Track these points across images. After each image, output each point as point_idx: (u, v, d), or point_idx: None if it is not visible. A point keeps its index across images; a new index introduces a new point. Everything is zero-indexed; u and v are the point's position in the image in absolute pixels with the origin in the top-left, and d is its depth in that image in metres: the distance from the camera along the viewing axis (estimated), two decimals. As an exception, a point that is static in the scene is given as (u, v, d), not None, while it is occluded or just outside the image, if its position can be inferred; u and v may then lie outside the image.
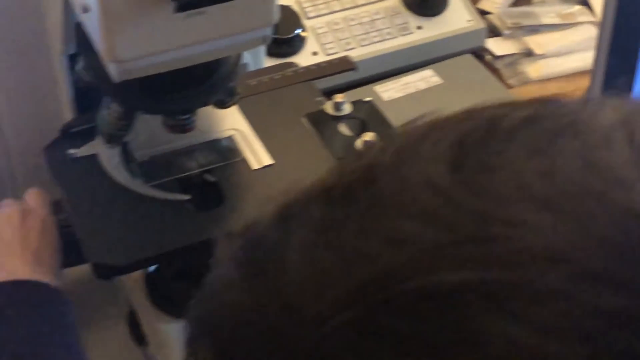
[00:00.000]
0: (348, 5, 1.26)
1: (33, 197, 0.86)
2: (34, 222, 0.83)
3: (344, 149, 0.82)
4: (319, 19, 1.24)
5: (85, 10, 0.65)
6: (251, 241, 0.36)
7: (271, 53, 1.14)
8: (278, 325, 0.33)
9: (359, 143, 0.82)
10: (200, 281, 0.91)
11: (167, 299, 0.86)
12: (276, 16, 0.69)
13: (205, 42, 0.67)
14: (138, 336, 0.90)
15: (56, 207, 0.85)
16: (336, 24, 1.24)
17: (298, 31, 1.21)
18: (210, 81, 0.75)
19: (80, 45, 0.77)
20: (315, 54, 1.21)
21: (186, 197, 0.78)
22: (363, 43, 1.23)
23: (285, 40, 1.19)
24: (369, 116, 0.85)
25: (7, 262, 0.80)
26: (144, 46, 0.66)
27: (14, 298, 0.78)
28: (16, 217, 0.84)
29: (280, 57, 1.17)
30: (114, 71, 0.68)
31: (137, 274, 0.88)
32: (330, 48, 1.22)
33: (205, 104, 0.77)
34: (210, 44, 0.68)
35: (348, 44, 1.23)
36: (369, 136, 0.81)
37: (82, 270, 0.94)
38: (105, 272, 0.74)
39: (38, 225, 0.83)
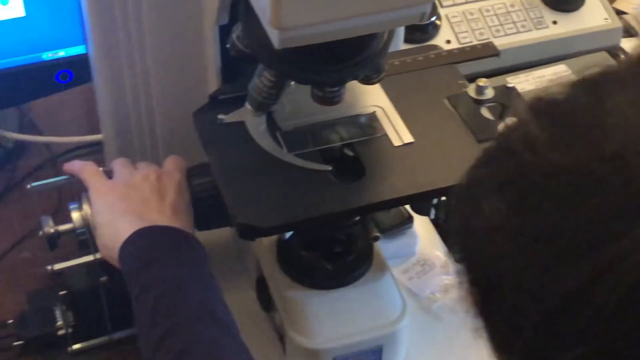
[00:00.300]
0: (484, -4, 1.26)
1: (170, 162, 0.91)
2: (170, 182, 0.88)
3: (485, 131, 0.83)
4: (455, 7, 1.25)
5: (256, -23, 0.68)
6: (553, 106, 0.46)
7: (405, 39, 1.15)
8: (599, 176, 0.41)
9: (501, 127, 0.82)
10: (330, 252, 0.93)
11: (297, 268, 0.89)
12: (437, -6, 0.70)
13: (367, 14, 0.69)
14: (266, 302, 0.93)
15: (200, 169, 0.89)
16: (471, 13, 1.25)
17: (433, 19, 1.22)
18: (362, 55, 0.77)
19: (239, 14, 0.80)
20: (448, 42, 1.22)
21: (328, 167, 0.80)
22: (497, 34, 1.23)
23: (419, 27, 1.20)
24: (511, 101, 0.86)
25: (146, 214, 0.85)
26: (308, 15, 0.68)
27: (160, 241, 0.82)
28: (154, 176, 0.88)
29: (414, 43, 1.18)
30: (275, 38, 0.70)
31: (270, 241, 0.90)
32: (464, 37, 1.23)
33: (355, 78, 0.79)
34: (371, 17, 0.70)
35: (482, 34, 1.23)
36: (510, 120, 0.82)
37: (214, 233, 0.97)
38: (249, 233, 0.76)
39: (173, 185, 0.88)
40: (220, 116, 0.85)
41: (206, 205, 0.89)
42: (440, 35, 1.22)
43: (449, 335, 0.96)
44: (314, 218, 0.77)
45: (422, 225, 1.02)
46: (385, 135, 0.83)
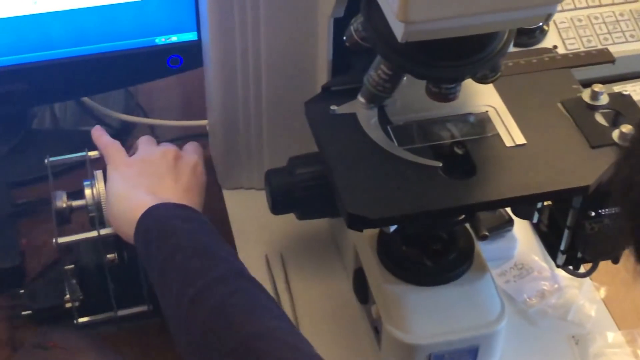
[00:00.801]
0: (593, 4, 1.25)
1: (189, 145, 0.96)
2: (186, 164, 0.92)
3: (599, 138, 0.82)
4: (563, 13, 1.24)
5: (386, -30, 0.68)
6: None
7: (512, 42, 1.15)
8: None
9: (615, 134, 0.81)
10: (431, 249, 0.94)
11: (396, 262, 0.89)
12: (565, -5, 0.70)
13: (493, 12, 0.69)
14: (362, 294, 0.94)
15: (304, 159, 0.90)
16: (579, 20, 1.23)
17: (541, 23, 1.21)
18: (482, 54, 0.77)
19: (361, 6, 0.80)
20: (555, 47, 1.21)
21: (439, 163, 0.80)
22: (605, 42, 1.22)
23: (527, 30, 1.20)
24: (625, 109, 0.85)
25: (159, 191, 0.88)
26: (435, 10, 0.68)
27: (177, 214, 0.84)
28: (171, 155, 0.92)
29: (520, 46, 1.18)
30: (400, 31, 0.71)
31: (370, 233, 0.91)
32: (571, 43, 1.22)
33: (473, 76, 0.79)
34: (497, 15, 0.70)
35: (589, 41, 1.22)
36: (626, 128, 0.81)
37: (311, 223, 0.98)
38: (358, 223, 0.77)
39: (189, 167, 0.92)
40: (333, 107, 0.85)
41: (307, 195, 0.90)
42: (546, 40, 1.21)
43: (544, 341, 0.95)
44: (423, 213, 0.77)
45: (521, 229, 1.02)
46: (497, 135, 0.83)
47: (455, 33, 0.71)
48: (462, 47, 0.76)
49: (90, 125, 1.20)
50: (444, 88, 0.79)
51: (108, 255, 0.90)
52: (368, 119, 0.85)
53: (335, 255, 1.03)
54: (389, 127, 0.84)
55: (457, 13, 0.69)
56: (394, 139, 0.83)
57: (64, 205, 0.91)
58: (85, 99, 1.20)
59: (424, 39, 0.72)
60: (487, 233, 0.82)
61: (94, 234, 0.89)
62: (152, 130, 1.20)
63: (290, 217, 0.93)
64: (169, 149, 0.93)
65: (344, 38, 0.85)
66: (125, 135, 1.18)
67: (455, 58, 0.77)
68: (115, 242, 0.90)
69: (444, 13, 0.68)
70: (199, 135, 1.16)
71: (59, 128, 1.20)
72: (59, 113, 1.21)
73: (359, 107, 0.85)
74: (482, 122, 0.85)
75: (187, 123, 1.19)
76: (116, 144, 0.94)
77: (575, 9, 1.24)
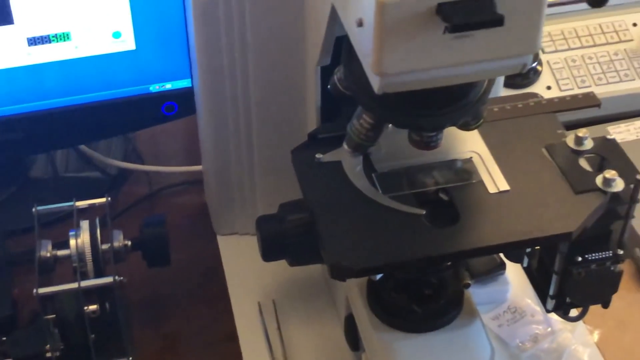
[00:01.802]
0: (587, 44, 1.25)
1: None
2: None
3: (583, 183, 0.82)
4: (557, 54, 1.24)
5: (360, 24, 0.69)
6: None
7: (505, 84, 1.16)
8: None
9: (599, 179, 0.81)
10: (420, 296, 0.94)
11: (386, 309, 0.89)
12: (540, 45, 0.70)
13: (468, 63, 0.70)
14: (353, 341, 0.93)
15: (295, 205, 0.90)
16: (573, 60, 1.24)
17: (534, 64, 1.21)
18: (462, 102, 0.77)
19: (341, 57, 0.81)
20: (549, 88, 1.21)
21: (422, 211, 0.81)
22: (599, 82, 1.22)
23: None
24: (610, 154, 0.85)
25: None
26: (410, 62, 0.69)
27: None
28: None
29: (514, 88, 1.19)
30: (376, 84, 0.71)
31: (360, 280, 0.91)
32: (565, 84, 1.22)
33: (454, 124, 0.79)
34: (472, 66, 0.70)
35: (583, 81, 1.22)
36: (610, 173, 0.81)
37: (305, 269, 0.98)
38: (341, 273, 0.77)
39: None
40: (318, 155, 0.86)
41: (298, 242, 0.90)
42: (540, 81, 1.22)
43: (537, 386, 0.95)
44: (405, 262, 0.77)
45: (514, 273, 1.01)
46: (481, 182, 0.83)
47: (431, 84, 0.72)
48: (442, 96, 0.76)
49: (88, 172, 1.23)
50: (425, 136, 0.80)
51: (90, 306, 0.90)
52: (353, 167, 0.85)
53: (328, 301, 1.03)
54: (373, 175, 0.85)
55: (431, 65, 0.69)
56: (378, 187, 0.84)
57: (48, 254, 0.92)
58: (83, 146, 1.22)
59: (401, 90, 0.72)
60: (469, 282, 0.82)
61: (74, 285, 0.89)
62: (148, 177, 1.21)
63: (284, 262, 0.94)
64: None
65: (329, 87, 0.85)
66: (122, 182, 1.19)
67: (435, 107, 0.77)
68: (97, 292, 0.90)
69: (418, 65, 0.69)
70: (196, 182, 1.17)
71: (57, 176, 1.22)
72: (57, 160, 1.23)
73: (344, 154, 0.86)
74: (467, 169, 0.85)
75: (183, 169, 1.20)
76: None
77: (569, 49, 1.25)
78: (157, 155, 1.25)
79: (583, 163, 0.84)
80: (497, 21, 0.66)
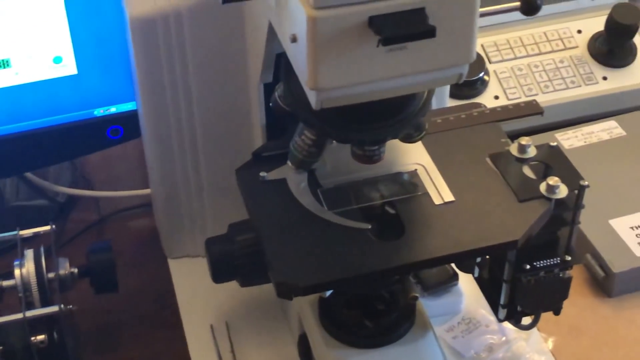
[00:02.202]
0: (533, 52, 1.26)
1: None
2: None
3: (527, 191, 0.82)
4: (503, 63, 1.25)
5: (294, 40, 0.69)
6: None
7: (452, 94, 1.16)
8: None
9: (542, 186, 0.81)
10: (371, 311, 0.93)
11: (338, 325, 0.88)
12: (474, 55, 0.70)
13: (403, 76, 0.69)
14: (308, 359, 0.93)
15: (244, 225, 0.89)
16: (520, 69, 1.24)
17: (481, 74, 1.22)
18: (401, 115, 0.77)
19: (281, 74, 0.81)
20: (496, 97, 1.22)
21: (367, 226, 0.80)
22: (546, 90, 1.23)
23: (468, 82, 1.21)
24: (554, 161, 0.85)
25: None
26: (345, 77, 0.69)
27: None
28: None
29: (462, 98, 1.19)
30: (313, 99, 0.71)
31: (312, 298, 0.90)
32: (512, 93, 1.22)
33: (395, 137, 0.79)
34: (408, 79, 0.70)
35: (530, 89, 1.23)
36: (553, 180, 0.81)
37: (258, 289, 0.97)
38: (287, 291, 0.76)
39: None
40: (262, 174, 0.85)
41: (248, 262, 0.89)
42: (488, 91, 1.22)
43: (494, 397, 0.94)
44: (351, 278, 0.77)
45: (467, 283, 1.01)
46: (426, 194, 0.83)
47: (368, 97, 0.72)
48: (381, 109, 0.76)
49: (38, 200, 1.21)
50: (367, 150, 0.80)
51: (38, 337, 0.89)
52: (298, 184, 0.84)
53: (282, 321, 1.02)
54: (319, 191, 0.84)
55: (367, 79, 0.69)
56: (324, 203, 0.83)
57: None
58: (28, 173, 1.20)
59: (338, 105, 0.72)
60: (416, 295, 0.81)
61: (19, 315, 0.88)
62: (97, 202, 1.20)
63: (236, 284, 0.93)
64: None
65: (270, 104, 0.85)
66: (70, 208, 1.17)
67: (374, 121, 0.77)
68: (45, 322, 0.89)
69: (354, 79, 0.69)
70: (144, 205, 1.16)
71: (6, 205, 1.20)
72: (6, 189, 1.21)
73: (288, 172, 0.85)
74: (412, 181, 0.85)
75: (132, 193, 1.19)
76: None
77: (515, 58, 1.25)
78: (108, 180, 1.23)
79: (527, 171, 0.84)
80: (429, 32, 0.65)
